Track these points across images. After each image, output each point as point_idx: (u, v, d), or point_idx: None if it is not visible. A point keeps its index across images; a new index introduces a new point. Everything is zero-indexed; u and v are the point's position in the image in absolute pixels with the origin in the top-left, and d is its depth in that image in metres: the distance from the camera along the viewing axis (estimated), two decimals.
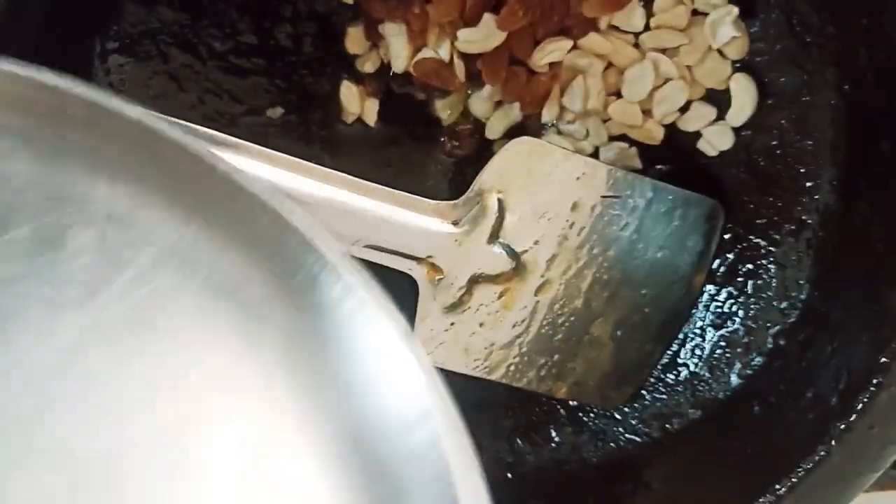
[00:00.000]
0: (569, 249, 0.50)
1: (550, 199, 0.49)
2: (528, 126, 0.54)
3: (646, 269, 0.52)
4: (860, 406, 0.43)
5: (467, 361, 0.51)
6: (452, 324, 0.50)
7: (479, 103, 0.53)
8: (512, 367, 0.52)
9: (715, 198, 0.52)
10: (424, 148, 0.55)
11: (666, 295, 0.53)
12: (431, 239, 0.48)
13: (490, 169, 0.49)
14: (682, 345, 0.54)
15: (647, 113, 0.52)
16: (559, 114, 0.52)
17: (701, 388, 0.54)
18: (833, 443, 0.43)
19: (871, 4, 0.41)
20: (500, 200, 0.49)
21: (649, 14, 0.50)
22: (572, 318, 0.52)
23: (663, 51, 0.50)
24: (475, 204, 0.49)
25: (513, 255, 0.50)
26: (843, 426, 0.43)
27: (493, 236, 0.49)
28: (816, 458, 0.44)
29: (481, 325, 0.51)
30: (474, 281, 0.50)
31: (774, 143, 0.51)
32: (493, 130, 0.53)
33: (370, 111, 0.54)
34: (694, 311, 0.54)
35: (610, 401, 0.55)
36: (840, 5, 0.45)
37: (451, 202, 0.49)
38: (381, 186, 0.47)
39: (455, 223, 0.49)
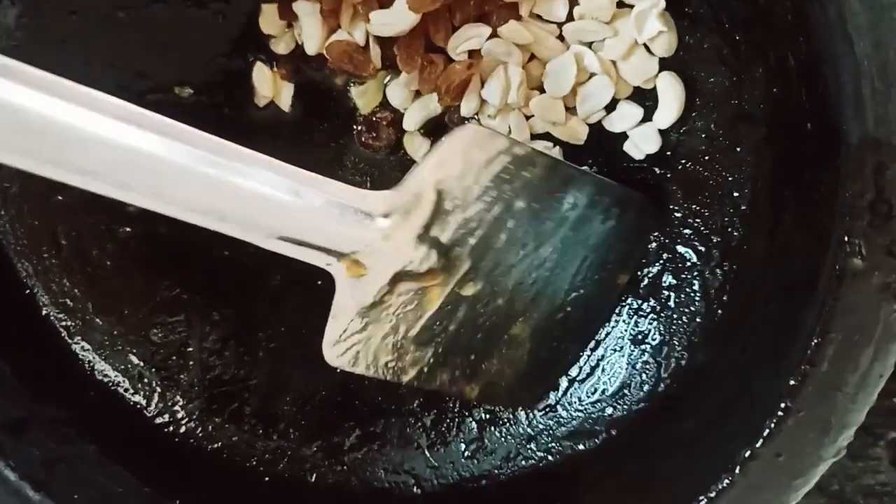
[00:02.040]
0: (499, 245, 0.46)
1: (486, 190, 0.45)
2: (448, 119, 0.51)
3: (575, 269, 0.48)
4: (766, 432, 0.39)
5: (378, 364, 0.47)
6: (367, 323, 0.46)
7: (397, 91, 0.50)
8: (425, 369, 0.48)
9: None
10: (342, 137, 0.52)
11: (590, 294, 0.49)
12: (356, 232, 0.41)
13: (433, 158, 0.43)
14: (600, 360, 0.51)
15: (571, 111, 0.49)
16: (480, 107, 0.49)
17: (617, 405, 0.50)
18: (737, 471, 0.40)
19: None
20: (439, 192, 0.43)
21: (573, 3, 0.46)
22: (494, 318, 0.48)
23: (589, 44, 0.47)
24: (409, 195, 0.43)
25: (441, 250, 0.45)
26: (747, 453, 0.40)
27: (426, 230, 0.44)
28: (720, 486, 0.40)
29: (397, 325, 0.46)
30: (398, 279, 0.44)
31: (703, 147, 0.48)
32: (410, 122, 0.50)
33: (284, 95, 0.51)
34: (614, 324, 0.51)
35: (520, 401, 0.51)
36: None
37: (383, 192, 0.42)
38: (297, 169, 0.40)
39: (385, 216, 0.42)
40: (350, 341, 0.46)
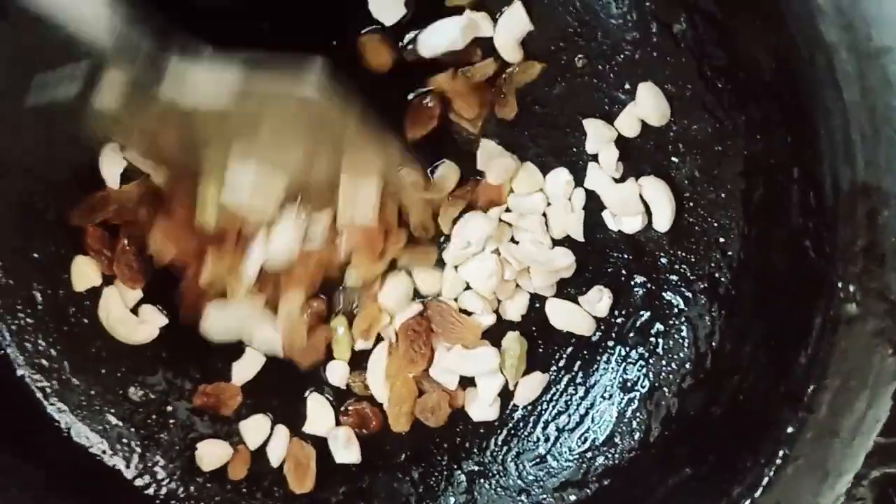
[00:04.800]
0: None
1: None
2: None
3: None
4: (766, 481, 0.39)
5: None
6: None
7: None
8: None
9: (628, 254, 0.50)
10: None
11: None
12: None
13: None
14: (589, 409, 0.51)
15: None
16: None
17: (608, 455, 0.50)
18: None
19: (778, 48, 0.39)
20: None
21: None
22: None
23: None
24: None
25: None
26: (748, 503, 0.39)
27: None
28: None
29: None
30: None
31: (686, 194, 0.48)
32: None
33: None
34: (603, 372, 0.50)
35: None
36: (749, 47, 0.42)
37: None
38: None
39: None
40: None
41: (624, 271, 0.50)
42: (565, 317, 0.50)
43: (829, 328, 0.37)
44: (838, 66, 0.34)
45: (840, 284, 0.36)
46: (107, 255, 0.49)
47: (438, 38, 0.48)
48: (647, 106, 0.47)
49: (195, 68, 0.41)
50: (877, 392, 0.38)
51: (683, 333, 0.48)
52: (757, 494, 0.39)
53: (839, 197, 0.36)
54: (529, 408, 0.51)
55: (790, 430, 0.38)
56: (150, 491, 0.51)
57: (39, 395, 0.50)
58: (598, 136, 0.48)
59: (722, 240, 0.47)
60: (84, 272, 0.50)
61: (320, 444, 0.51)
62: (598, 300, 0.50)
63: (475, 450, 0.52)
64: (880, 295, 0.36)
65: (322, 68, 0.41)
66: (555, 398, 0.51)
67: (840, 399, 0.38)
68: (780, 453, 0.38)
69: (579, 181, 0.50)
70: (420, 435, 0.52)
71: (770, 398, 0.40)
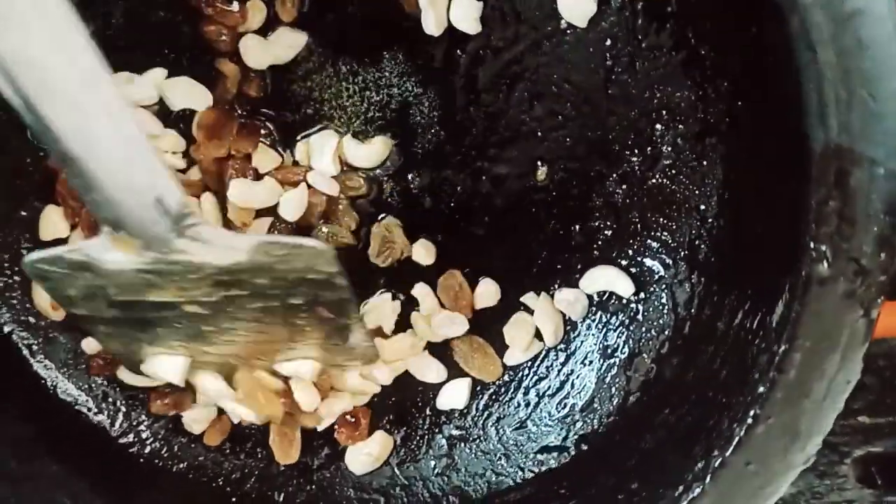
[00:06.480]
0: None
1: None
2: None
3: None
4: (736, 440, 0.39)
5: None
6: None
7: None
8: None
9: (609, 218, 0.50)
10: None
11: None
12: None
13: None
14: (570, 375, 0.51)
15: None
16: None
17: (587, 420, 0.50)
18: (708, 480, 0.40)
19: (756, 11, 0.39)
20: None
21: None
22: None
23: None
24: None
25: None
26: (718, 462, 0.40)
27: None
28: (692, 495, 0.40)
29: None
30: None
31: (668, 161, 0.48)
32: None
33: None
34: (583, 339, 0.51)
35: None
36: (733, 13, 0.42)
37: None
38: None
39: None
40: None
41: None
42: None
43: (802, 289, 0.37)
44: (812, 28, 0.35)
45: (812, 245, 0.37)
46: (72, 205, 0.49)
47: None
48: None
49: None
50: (847, 354, 0.38)
51: (663, 300, 0.49)
52: (728, 453, 0.39)
53: (812, 159, 0.36)
54: (511, 373, 0.52)
55: (761, 389, 0.39)
56: (134, 449, 0.51)
57: (26, 351, 0.50)
58: None
59: (703, 206, 0.47)
60: (51, 222, 0.50)
61: None
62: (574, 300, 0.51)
63: (456, 414, 0.52)
64: (851, 257, 0.37)
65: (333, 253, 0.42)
66: (536, 364, 0.52)
67: (811, 360, 0.38)
68: (752, 413, 0.39)
69: None
70: (401, 398, 0.52)
71: (743, 361, 0.41)
